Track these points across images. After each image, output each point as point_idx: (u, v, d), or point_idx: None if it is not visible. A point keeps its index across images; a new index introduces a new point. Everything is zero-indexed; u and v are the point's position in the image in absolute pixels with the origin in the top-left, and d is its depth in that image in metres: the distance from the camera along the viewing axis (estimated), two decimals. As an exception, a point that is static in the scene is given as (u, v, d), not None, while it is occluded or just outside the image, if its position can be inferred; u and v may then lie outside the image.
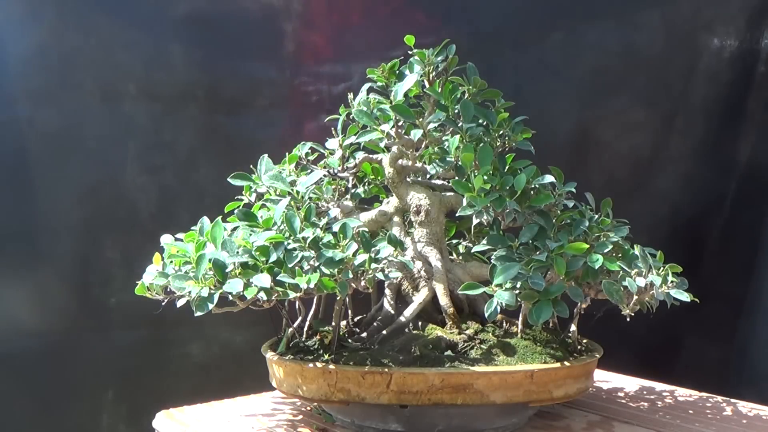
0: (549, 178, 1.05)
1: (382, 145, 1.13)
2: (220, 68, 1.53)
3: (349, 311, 1.17)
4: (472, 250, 1.12)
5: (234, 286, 0.90)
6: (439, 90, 1.08)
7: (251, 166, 1.14)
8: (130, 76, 1.52)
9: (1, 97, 1.50)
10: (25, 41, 1.49)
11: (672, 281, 0.96)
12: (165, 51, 1.52)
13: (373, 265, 0.94)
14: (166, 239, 1.01)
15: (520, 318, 1.06)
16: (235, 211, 1.05)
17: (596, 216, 1.06)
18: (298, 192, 1.07)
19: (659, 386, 1.30)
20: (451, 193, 1.13)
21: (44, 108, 1.51)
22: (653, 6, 1.53)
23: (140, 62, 1.52)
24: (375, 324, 1.09)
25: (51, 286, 1.56)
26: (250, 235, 0.97)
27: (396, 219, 1.15)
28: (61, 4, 1.48)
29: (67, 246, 1.55)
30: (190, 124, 1.55)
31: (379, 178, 1.23)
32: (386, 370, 0.95)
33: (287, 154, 1.16)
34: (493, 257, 0.99)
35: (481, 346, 1.01)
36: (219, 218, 0.99)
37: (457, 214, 1.06)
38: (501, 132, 1.09)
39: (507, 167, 1.05)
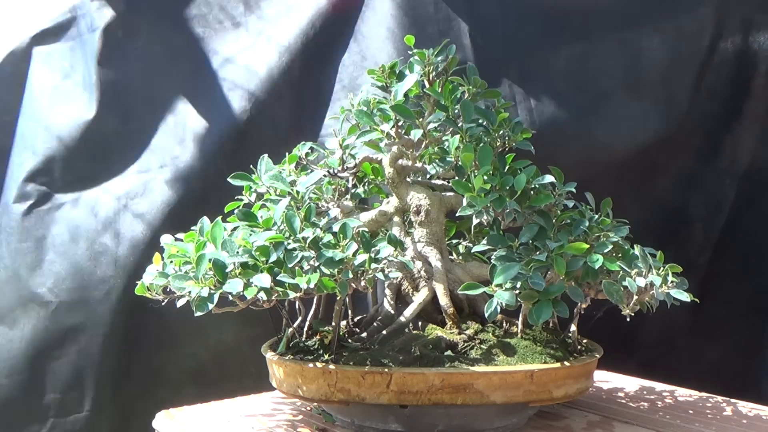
0: (549, 178, 1.05)
1: (382, 145, 1.13)
2: None
3: (350, 311, 1.17)
4: (472, 250, 1.12)
5: (234, 286, 0.90)
6: (439, 90, 1.08)
7: (251, 166, 1.14)
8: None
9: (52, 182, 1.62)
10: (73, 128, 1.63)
11: (672, 281, 0.96)
12: None
13: (373, 265, 0.94)
14: (165, 239, 1.01)
15: (520, 318, 1.06)
16: (235, 211, 1.05)
17: (596, 216, 1.06)
18: (298, 192, 1.07)
19: (659, 386, 1.30)
20: (451, 193, 1.12)
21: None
22: (667, 10, 1.54)
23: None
24: (375, 324, 1.09)
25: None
26: (250, 235, 0.97)
27: (396, 219, 1.15)
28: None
29: None
30: None
31: (379, 178, 1.23)
32: (386, 370, 0.95)
33: (287, 154, 1.16)
34: (493, 257, 0.99)
35: (481, 346, 1.01)
36: (219, 218, 0.99)
37: (457, 214, 1.06)
38: (501, 132, 1.09)
39: (507, 167, 1.05)
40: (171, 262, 0.97)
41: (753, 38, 1.57)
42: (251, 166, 1.14)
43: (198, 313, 0.90)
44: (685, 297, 0.95)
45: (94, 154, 1.64)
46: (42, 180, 1.63)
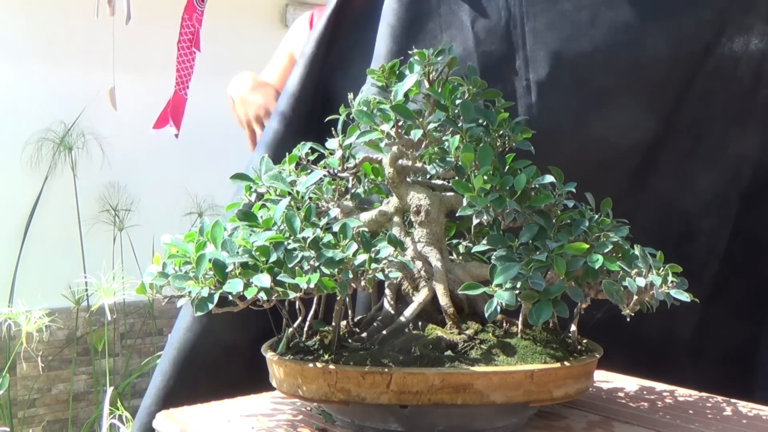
0: (549, 178, 1.05)
1: (382, 145, 1.13)
2: None
3: (350, 311, 1.17)
4: (472, 250, 1.12)
5: (234, 286, 0.90)
6: (439, 90, 1.08)
7: (251, 167, 1.14)
8: None
9: None
10: None
11: (672, 281, 0.96)
12: None
13: (373, 265, 0.94)
14: (165, 239, 1.01)
15: (520, 318, 1.06)
16: (235, 211, 1.05)
17: (596, 216, 1.06)
18: (298, 192, 1.07)
19: (659, 386, 1.30)
20: (451, 193, 1.12)
21: None
22: (667, 5, 1.52)
23: None
24: (375, 324, 1.09)
25: None
26: (250, 235, 0.97)
27: (396, 219, 1.15)
28: None
29: None
30: None
31: (379, 178, 1.23)
32: (386, 370, 0.95)
33: (287, 154, 1.16)
34: (493, 257, 0.99)
35: (481, 346, 1.01)
36: (219, 218, 0.99)
37: (457, 214, 1.06)
38: (501, 132, 1.09)
39: (507, 167, 1.05)
40: (171, 262, 0.97)
41: (757, 47, 1.56)
42: (251, 167, 1.14)
43: (198, 314, 0.91)
44: (685, 297, 0.95)
45: None
46: None
